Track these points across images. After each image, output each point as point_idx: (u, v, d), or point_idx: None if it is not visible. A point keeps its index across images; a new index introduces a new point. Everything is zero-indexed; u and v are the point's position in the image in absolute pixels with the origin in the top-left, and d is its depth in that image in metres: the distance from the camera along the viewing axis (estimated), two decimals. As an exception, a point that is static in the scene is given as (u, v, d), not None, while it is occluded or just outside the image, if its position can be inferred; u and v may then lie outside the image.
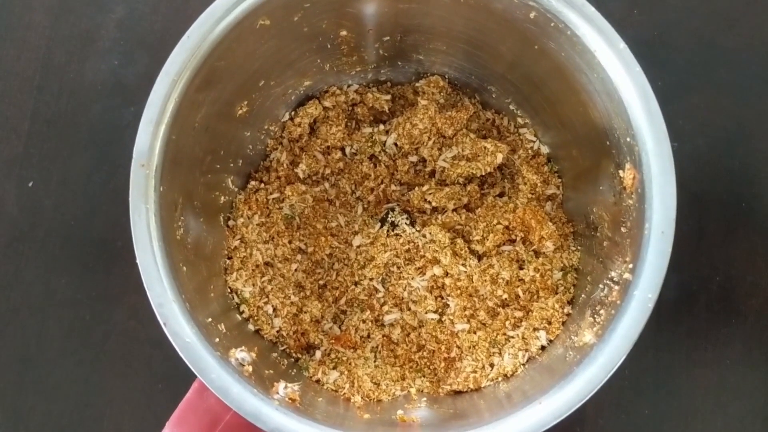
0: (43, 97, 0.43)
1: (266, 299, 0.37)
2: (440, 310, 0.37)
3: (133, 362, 0.40)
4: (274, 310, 0.37)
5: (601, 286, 0.32)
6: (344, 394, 0.35)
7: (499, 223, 0.38)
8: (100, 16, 0.45)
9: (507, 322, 0.36)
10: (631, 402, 0.39)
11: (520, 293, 0.37)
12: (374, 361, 0.37)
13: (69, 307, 0.41)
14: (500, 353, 0.35)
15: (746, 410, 0.39)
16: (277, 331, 0.36)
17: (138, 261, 0.29)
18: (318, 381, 0.35)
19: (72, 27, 0.44)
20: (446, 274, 0.37)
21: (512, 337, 0.36)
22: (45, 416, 0.39)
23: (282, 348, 0.36)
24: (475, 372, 0.35)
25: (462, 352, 0.36)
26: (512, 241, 0.38)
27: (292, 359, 0.36)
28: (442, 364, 0.36)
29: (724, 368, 0.40)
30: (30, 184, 0.42)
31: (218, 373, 0.28)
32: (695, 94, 0.43)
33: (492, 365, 0.35)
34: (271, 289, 0.37)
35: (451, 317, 0.36)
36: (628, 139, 0.30)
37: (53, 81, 0.44)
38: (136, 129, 0.30)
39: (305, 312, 0.37)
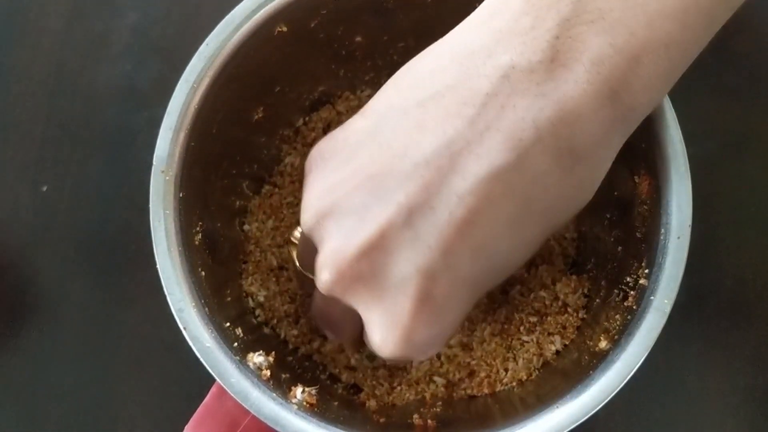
0: (56, 102, 0.43)
1: (280, 303, 0.37)
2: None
3: (146, 365, 0.40)
4: (288, 314, 0.37)
5: (615, 291, 0.32)
6: (359, 397, 0.35)
7: None
8: (113, 21, 0.45)
9: (522, 327, 0.36)
10: (641, 405, 0.39)
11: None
12: (388, 365, 0.37)
13: (83, 310, 0.41)
14: (515, 358, 0.36)
15: (757, 413, 0.39)
16: (292, 335, 0.37)
17: (158, 266, 0.29)
18: (332, 384, 0.36)
19: (85, 32, 0.44)
20: None
21: (527, 342, 0.36)
22: (59, 418, 0.40)
23: (297, 352, 0.37)
24: (489, 376, 0.35)
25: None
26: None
27: (306, 363, 0.37)
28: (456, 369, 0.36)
29: (735, 371, 0.40)
30: (44, 189, 0.42)
31: (237, 378, 0.28)
32: (704, 98, 0.43)
33: (507, 370, 0.35)
34: (285, 292, 0.37)
35: (466, 321, 0.37)
36: (643, 145, 0.30)
37: (67, 85, 0.44)
38: (148, 133, 0.30)
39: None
